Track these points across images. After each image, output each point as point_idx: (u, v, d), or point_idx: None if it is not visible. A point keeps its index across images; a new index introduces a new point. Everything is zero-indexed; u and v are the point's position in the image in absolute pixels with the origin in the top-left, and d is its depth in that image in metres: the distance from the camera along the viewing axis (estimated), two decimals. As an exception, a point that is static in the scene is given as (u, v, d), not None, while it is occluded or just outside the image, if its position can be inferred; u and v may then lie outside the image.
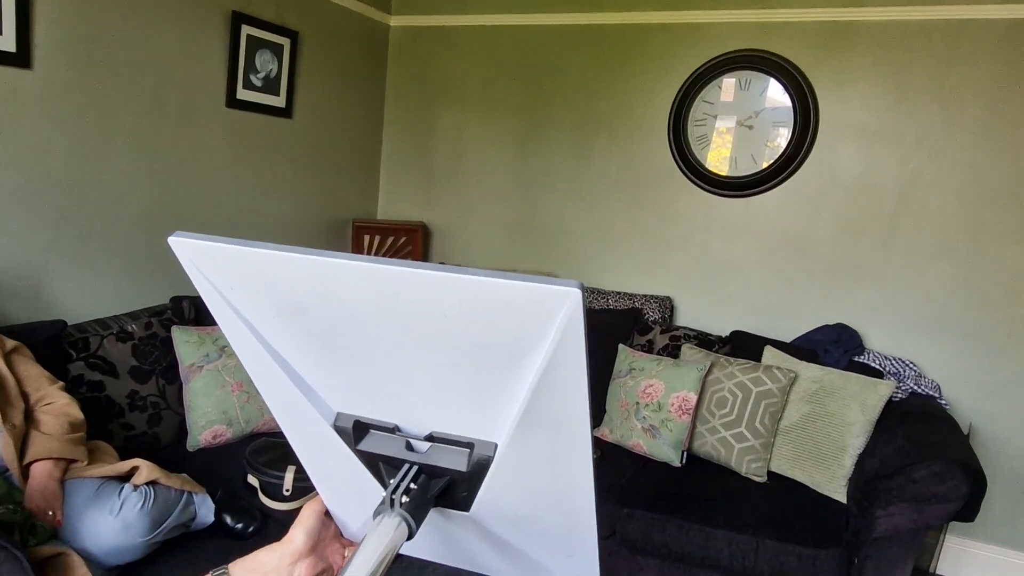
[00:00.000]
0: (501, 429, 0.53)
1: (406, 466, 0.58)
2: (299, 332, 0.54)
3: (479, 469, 0.56)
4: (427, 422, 0.57)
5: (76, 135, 2.28)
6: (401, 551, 0.74)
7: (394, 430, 0.59)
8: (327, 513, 0.72)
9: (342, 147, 3.49)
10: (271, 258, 0.49)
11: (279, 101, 3.03)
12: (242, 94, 2.84)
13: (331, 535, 0.73)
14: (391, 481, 0.58)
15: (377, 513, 0.56)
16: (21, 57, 2.07)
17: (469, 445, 0.56)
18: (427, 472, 0.58)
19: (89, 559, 1.55)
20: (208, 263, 0.53)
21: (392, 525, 0.55)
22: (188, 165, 2.70)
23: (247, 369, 0.60)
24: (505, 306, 0.44)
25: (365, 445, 0.59)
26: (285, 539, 0.68)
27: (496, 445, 0.55)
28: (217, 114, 2.78)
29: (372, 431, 0.60)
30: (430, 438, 0.57)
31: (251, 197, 3.01)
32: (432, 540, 0.70)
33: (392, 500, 0.56)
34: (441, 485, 0.58)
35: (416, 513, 0.56)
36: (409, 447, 0.58)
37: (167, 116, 2.58)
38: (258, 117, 2.96)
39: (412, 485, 0.57)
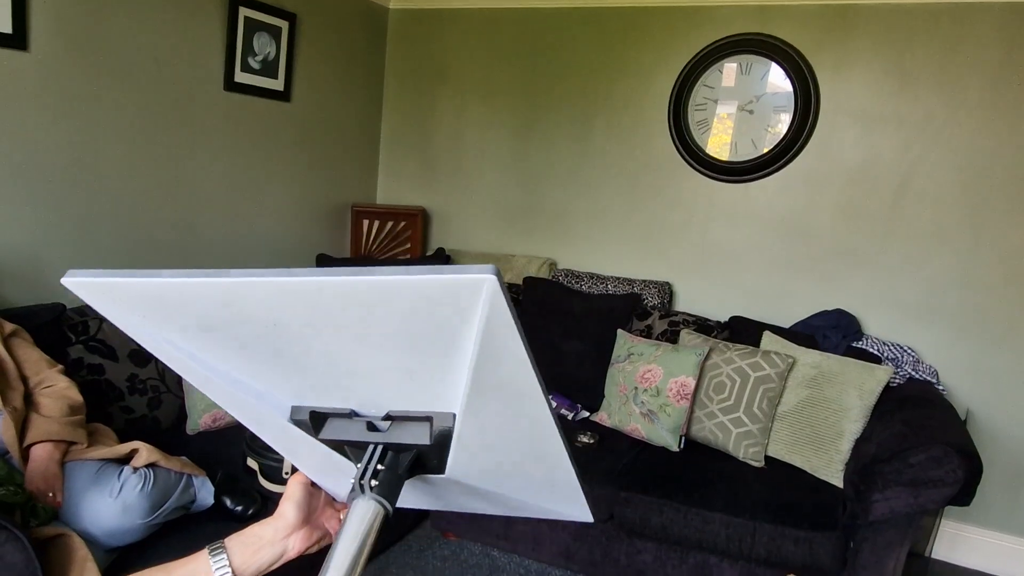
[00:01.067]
0: (455, 399, 0.53)
1: (371, 447, 0.58)
2: (225, 345, 0.53)
3: (443, 439, 0.56)
4: (382, 404, 0.57)
5: (74, 118, 2.27)
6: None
7: (351, 415, 0.58)
8: (315, 483, 0.73)
9: (341, 131, 3.48)
10: (172, 287, 0.47)
11: (277, 84, 3.01)
12: (240, 77, 2.82)
13: (323, 503, 0.73)
14: (358, 465, 0.58)
15: (350, 499, 0.56)
16: (17, 39, 2.06)
17: (428, 419, 0.56)
18: (393, 449, 0.58)
19: (90, 540, 1.56)
20: (109, 300, 0.51)
21: (367, 509, 0.55)
22: (186, 148, 2.69)
23: (187, 380, 0.58)
24: (424, 300, 0.43)
25: (326, 433, 0.59)
26: (276, 514, 0.69)
27: (454, 415, 0.54)
28: (215, 97, 2.76)
29: (330, 419, 0.59)
30: (388, 418, 0.57)
31: (250, 181, 3.00)
32: (421, 493, 0.71)
33: (361, 486, 0.56)
34: (409, 459, 0.58)
35: (389, 492, 0.56)
36: (371, 427, 0.58)
37: (165, 99, 2.56)
38: (256, 100, 2.95)
39: (379, 466, 0.57)
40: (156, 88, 2.52)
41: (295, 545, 0.69)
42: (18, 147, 2.14)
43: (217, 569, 0.66)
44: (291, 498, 0.70)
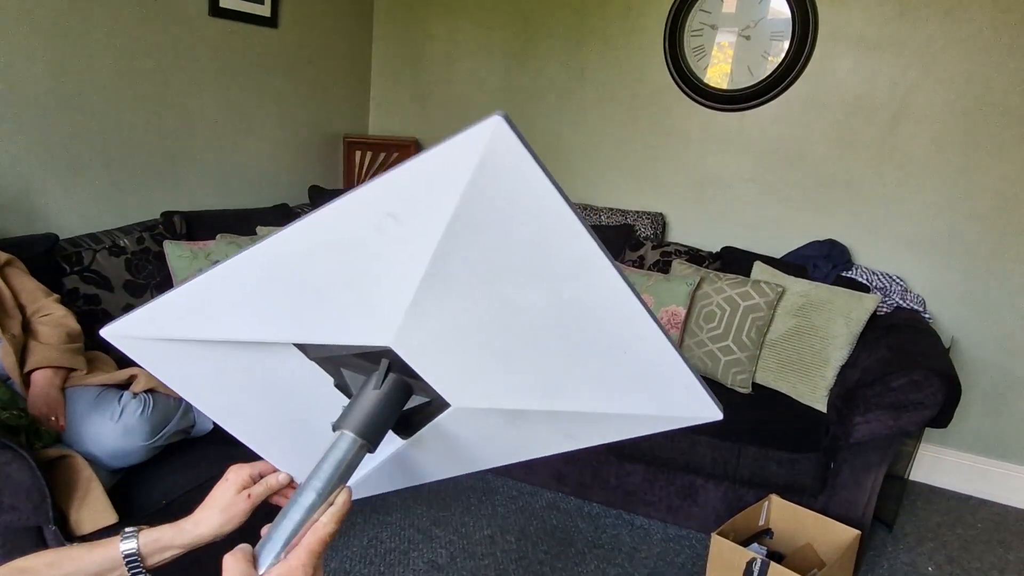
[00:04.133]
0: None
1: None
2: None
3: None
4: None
5: (57, 45, 2.22)
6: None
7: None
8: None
9: (330, 58, 3.40)
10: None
11: (264, 9, 2.93)
12: (225, 2, 2.74)
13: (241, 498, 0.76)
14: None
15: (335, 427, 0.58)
16: (-8, -40, 2.00)
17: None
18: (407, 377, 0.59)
19: (93, 461, 1.61)
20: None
21: (348, 441, 0.56)
22: (173, 77, 2.64)
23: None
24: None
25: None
26: (197, 521, 0.75)
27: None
28: (200, 23, 2.69)
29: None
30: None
31: (238, 110, 2.96)
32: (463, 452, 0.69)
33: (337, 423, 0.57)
34: (417, 403, 0.60)
35: (367, 425, 0.57)
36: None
37: (150, 25, 2.50)
38: (243, 26, 2.87)
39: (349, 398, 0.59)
40: (140, 13, 2.46)
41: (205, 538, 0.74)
42: (4, 76, 2.10)
43: (126, 551, 0.72)
44: (216, 506, 0.74)
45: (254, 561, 0.52)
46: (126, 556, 0.71)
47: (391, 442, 0.70)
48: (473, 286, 0.50)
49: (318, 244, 0.50)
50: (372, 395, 0.58)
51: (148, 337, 0.61)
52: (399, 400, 0.59)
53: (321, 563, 0.53)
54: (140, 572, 0.72)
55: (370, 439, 0.57)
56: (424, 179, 0.44)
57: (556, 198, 0.44)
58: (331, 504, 0.54)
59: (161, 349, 0.62)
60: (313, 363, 0.62)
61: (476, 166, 0.42)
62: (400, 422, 0.64)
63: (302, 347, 0.61)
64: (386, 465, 0.72)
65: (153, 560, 0.73)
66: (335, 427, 0.57)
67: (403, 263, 0.49)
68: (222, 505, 0.73)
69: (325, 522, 0.53)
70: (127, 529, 0.73)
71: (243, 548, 0.52)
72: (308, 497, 0.53)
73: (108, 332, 0.61)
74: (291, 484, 0.77)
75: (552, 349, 0.53)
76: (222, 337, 0.59)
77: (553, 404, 0.57)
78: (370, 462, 0.72)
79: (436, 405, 0.61)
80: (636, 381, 0.54)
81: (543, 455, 0.65)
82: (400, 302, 0.51)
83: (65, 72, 2.27)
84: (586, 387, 0.55)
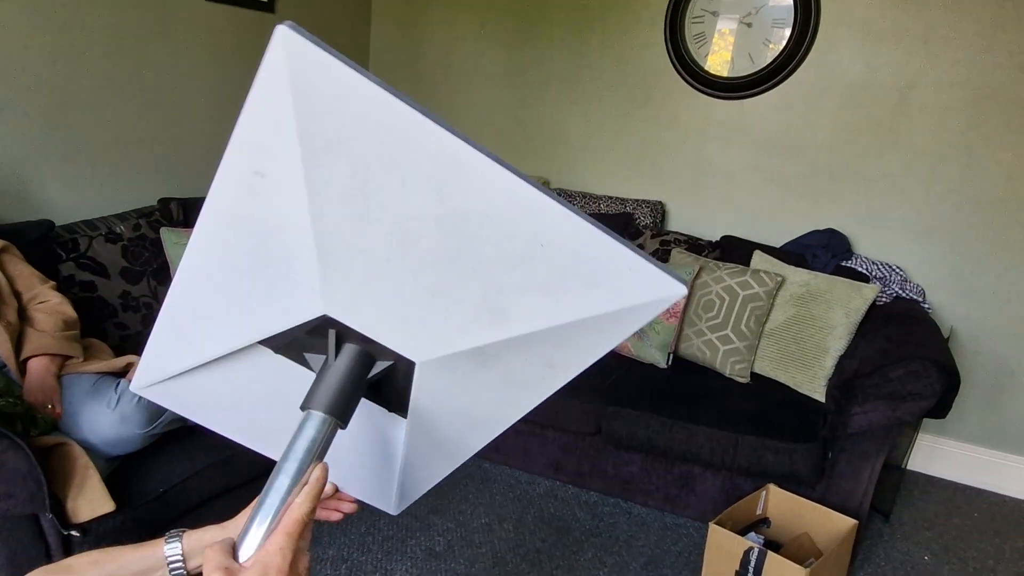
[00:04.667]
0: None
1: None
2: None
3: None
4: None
5: (53, 31, 2.20)
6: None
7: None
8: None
9: (329, 44, 3.37)
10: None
11: (261, -6, 2.90)
12: (222, -14, 2.72)
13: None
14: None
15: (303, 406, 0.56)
16: (-15, -58, 1.97)
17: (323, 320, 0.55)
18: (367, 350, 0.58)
19: (90, 449, 1.61)
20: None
21: (317, 420, 0.55)
22: (169, 63, 2.61)
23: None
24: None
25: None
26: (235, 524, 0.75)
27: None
28: (196, 8, 2.66)
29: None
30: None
31: (235, 96, 2.93)
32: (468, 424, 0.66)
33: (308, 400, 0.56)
34: (379, 370, 0.58)
35: (335, 403, 0.55)
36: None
37: (146, 11, 2.47)
38: (239, 11, 2.85)
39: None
40: (134, -3, 2.44)
41: None
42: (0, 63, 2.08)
43: (170, 555, 0.72)
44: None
45: (234, 551, 0.51)
46: (169, 559, 0.72)
47: (394, 454, 0.68)
48: (362, 220, 0.46)
49: (222, 231, 0.48)
50: (330, 369, 0.57)
51: (157, 381, 0.60)
52: (359, 369, 0.57)
53: (305, 545, 0.52)
54: (182, 574, 0.73)
55: (338, 414, 0.55)
56: (261, 121, 0.41)
57: (376, 90, 0.40)
58: (305, 483, 0.53)
59: (171, 388, 0.61)
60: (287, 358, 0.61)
61: (289, 85, 0.39)
62: (382, 395, 0.62)
63: (266, 344, 0.60)
64: (405, 478, 0.71)
65: (196, 562, 0.73)
66: (302, 408, 0.56)
67: (291, 218, 0.46)
68: None
69: (300, 502, 0.52)
70: (171, 532, 0.73)
71: (223, 540, 0.52)
72: (281, 481, 0.52)
73: (134, 388, 0.62)
74: (336, 494, 0.76)
75: (470, 268, 0.48)
76: (203, 359, 0.58)
77: (508, 330, 0.52)
78: (391, 487, 0.71)
79: (402, 367, 0.59)
80: (574, 279, 0.48)
81: (541, 398, 0.60)
82: (310, 263, 0.49)
83: (60, 58, 2.24)
84: (528, 302, 0.50)
